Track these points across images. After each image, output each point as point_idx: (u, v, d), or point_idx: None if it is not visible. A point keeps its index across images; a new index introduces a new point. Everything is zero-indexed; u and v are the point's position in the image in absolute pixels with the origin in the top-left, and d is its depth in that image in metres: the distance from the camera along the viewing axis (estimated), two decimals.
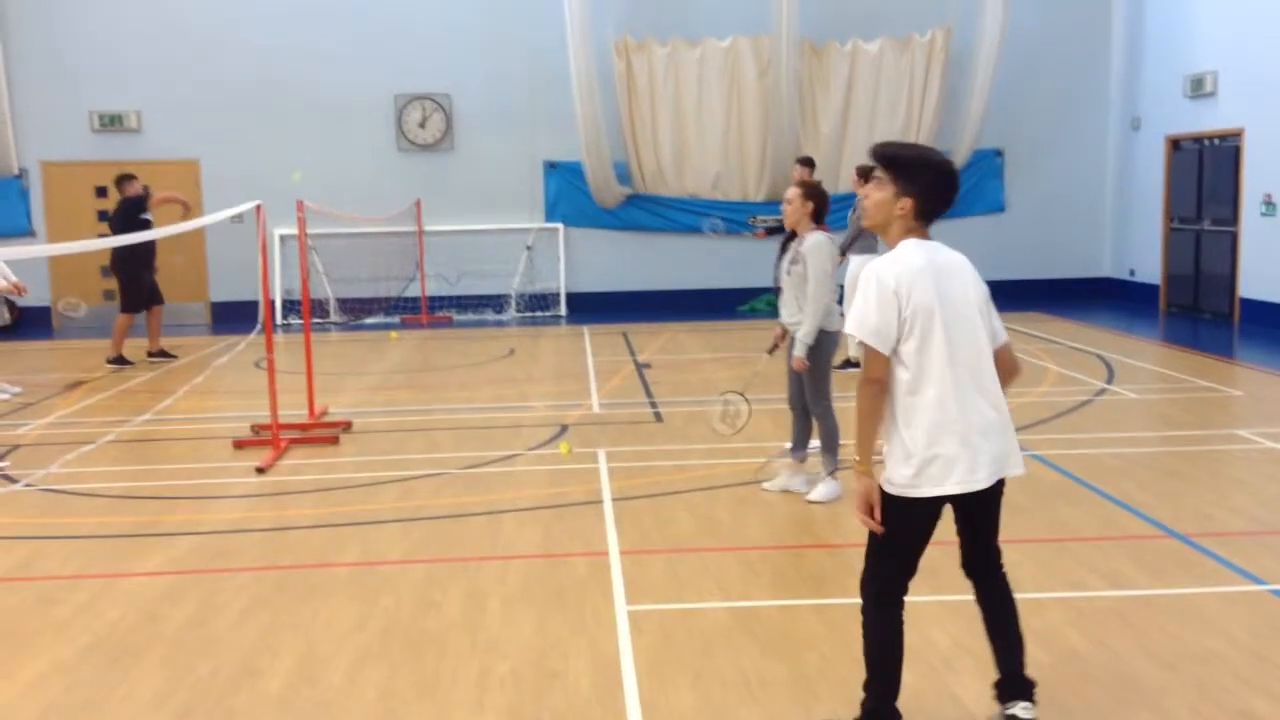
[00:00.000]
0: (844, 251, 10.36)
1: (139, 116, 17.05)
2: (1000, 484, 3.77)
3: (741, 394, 7.56)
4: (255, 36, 16.86)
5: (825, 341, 6.86)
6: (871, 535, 3.79)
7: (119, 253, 12.62)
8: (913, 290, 3.63)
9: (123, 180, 13.27)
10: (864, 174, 11.10)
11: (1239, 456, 8.06)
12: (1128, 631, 4.88)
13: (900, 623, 3.79)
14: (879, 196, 3.74)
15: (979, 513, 3.81)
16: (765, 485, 7.24)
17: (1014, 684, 3.85)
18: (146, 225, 12.43)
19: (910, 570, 3.79)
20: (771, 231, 12.31)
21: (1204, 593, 5.34)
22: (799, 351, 6.83)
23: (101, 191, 16.84)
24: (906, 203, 3.70)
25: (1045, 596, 5.24)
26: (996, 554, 3.90)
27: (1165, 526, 6.31)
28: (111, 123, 17.03)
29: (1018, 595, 3.95)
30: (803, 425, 7.19)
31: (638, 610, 5.21)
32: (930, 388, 3.62)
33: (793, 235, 7.08)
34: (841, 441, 6.96)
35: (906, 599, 3.82)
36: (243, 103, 16.98)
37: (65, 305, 12.14)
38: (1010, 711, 3.81)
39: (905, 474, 3.65)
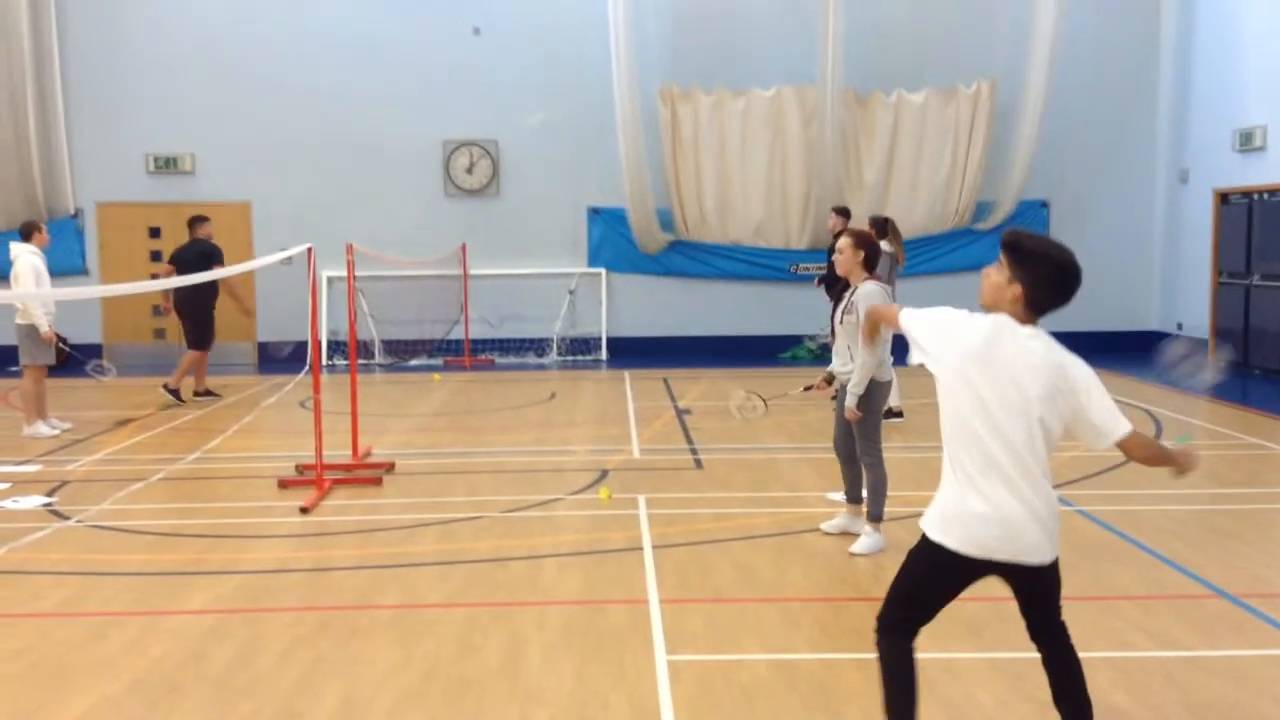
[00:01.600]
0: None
1: (193, 159, 17.41)
2: (1042, 569, 3.83)
3: (764, 400, 7.86)
4: (307, 82, 17.19)
5: (876, 391, 6.85)
6: (898, 570, 3.92)
7: (197, 292, 12.89)
8: (961, 342, 3.82)
9: (196, 221, 13.59)
10: (873, 224, 11.08)
11: None
12: (1175, 692, 4.80)
13: (911, 656, 3.87)
14: (996, 279, 3.85)
15: (1018, 587, 3.91)
16: (824, 527, 7.25)
17: None
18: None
19: (922, 613, 3.90)
20: (824, 281, 12.36)
21: (1254, 655, 5.26)
22: (850, 402, 6.83)
23: (155, 232, 17.23)
24: (1018, 290, 3.79)
25: (1091, 655, 5.11)
26: (1056, 626, 3.97)
27: (1214, 586, 6.21)
28: (166, 165, 17.40)
29: None
30: (852, 471, 7.19)
31: (677, 660, 5.19)
32: (953, 450, 3.83)
33: (847, 284, 7.10)
34: (889, 493, 6.94)
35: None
36: (294, 147, 17.30)
37: (94, 368, 12.38)
38: None
39: (930, 512, 3.88)
